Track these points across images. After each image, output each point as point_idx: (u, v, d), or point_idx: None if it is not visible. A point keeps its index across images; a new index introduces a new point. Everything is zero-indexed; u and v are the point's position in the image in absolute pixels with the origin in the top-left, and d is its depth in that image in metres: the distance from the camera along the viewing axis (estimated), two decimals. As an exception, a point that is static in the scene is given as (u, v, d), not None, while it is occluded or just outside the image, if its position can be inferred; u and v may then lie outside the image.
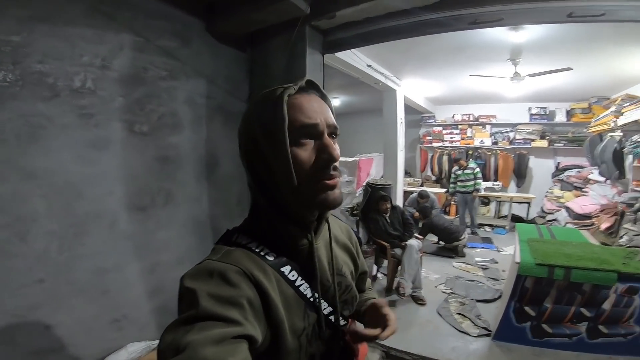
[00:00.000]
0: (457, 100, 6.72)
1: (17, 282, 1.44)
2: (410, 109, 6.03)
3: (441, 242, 4.76)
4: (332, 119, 0.62)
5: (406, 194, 6.00)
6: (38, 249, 1.49)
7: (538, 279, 2.29)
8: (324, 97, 0.64)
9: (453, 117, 7.17)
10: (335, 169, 0.59)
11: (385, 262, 3.55)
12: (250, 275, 0.54)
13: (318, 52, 2.24)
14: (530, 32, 2.85)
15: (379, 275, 3.79)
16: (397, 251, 3.38)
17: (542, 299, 2.33)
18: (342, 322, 0.69)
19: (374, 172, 5.85)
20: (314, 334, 0.62)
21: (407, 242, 3.37)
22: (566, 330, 2.34)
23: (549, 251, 2.44)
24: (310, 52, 2.13)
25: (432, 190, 6.30)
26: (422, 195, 5.45)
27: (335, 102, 6.28)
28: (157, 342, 2.08)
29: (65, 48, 1.52)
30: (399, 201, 5.10)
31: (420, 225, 4.85)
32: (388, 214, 3.60)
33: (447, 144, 7.25)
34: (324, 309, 0.65)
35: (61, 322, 1.58)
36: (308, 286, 0.63)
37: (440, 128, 7.33)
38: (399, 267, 3.30)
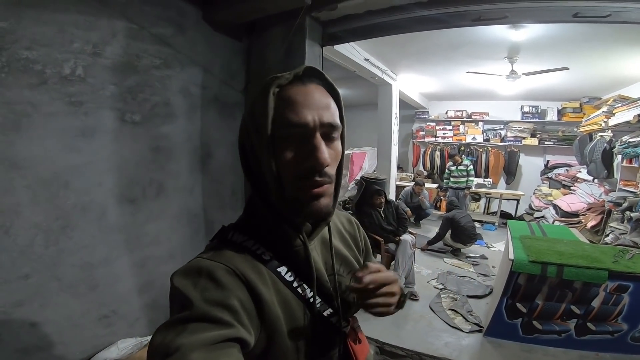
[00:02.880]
0: (451, 96, 6.75)
1: (0, 277, 1.37)
2: (404, 103, 6.03)
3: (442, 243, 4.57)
4: (331, 117, 0.55)
5: (398, 188, 6.02)
6: (22, 243, 1.42)
7: (531, 276, 2.31)
8: (330, 88, 0.58)
9: (446, 113, 7.22)
10: (323, 175, 0.54)
11: (379, 257, 3.55)
12: (240, 275, 0.52)
13: (317, 44, 2.18)
14: (529, 31, 2.84)
15: (372, 270, 3.80)
16: (391, 246, 3.38)
17: (534, 295, 2.35)
18: (343, 324, 0.66)
19: (367, 165, 5.85)
20: (314, 336, 0.60)
21: (401, 237, 3.37)
22: (556, 327, 2.37)
23: (541, 248, 2.46)
24: (309, 44, 2.07)
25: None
26: (418, 183, 5.47)
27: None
28: (148, 338, 2.06)
29: (54, 34, 1.44)
30: (391, 196, 5.10)
31: (412, 218, 4.83)
32: (382, 209, 3.58)
33: (439, 139, 7.30)
34: (324, 311, 0.63)
35: (48, 318, 1.52)
36: (306, 287, 0.60)
37: (433, 124, 7.38)
38: (393, 262, 3.31)
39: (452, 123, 7.20)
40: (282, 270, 0.58)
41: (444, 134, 7.25)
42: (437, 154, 7.31)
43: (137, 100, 1.78)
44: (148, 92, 1.82)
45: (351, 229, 0.80)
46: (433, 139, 7.37)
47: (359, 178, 4.29)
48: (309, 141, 0.53)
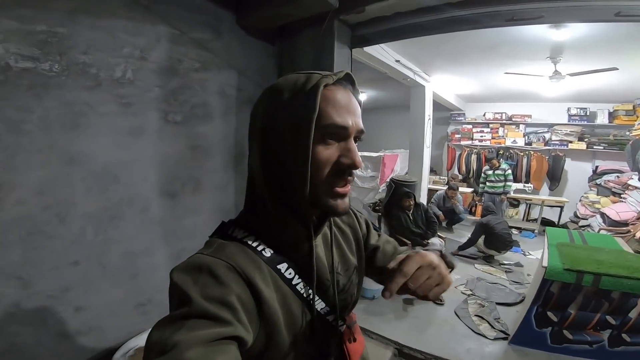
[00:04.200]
0: (489, 98, 6.49)
1: (53, 263, 1.49)
2: (438, 105, 5.89)
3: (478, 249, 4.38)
4: (361, 123, 0.59)
5: (431, 191, 5.90)
6: (75, 232, 1.54)
7: (565, 285, 2.21)
8: (357, 96, 0.61)
9: (484, 115, 6.94)
10: (351, 175, 0.57)
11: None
12: (241, 271, 0.52)
13: (346, 46, 2.22)
14: (572, 30, 2.71)
15: (399, 272, 3.77)
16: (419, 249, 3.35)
17: (567, 304, 2.25)
18: (339, 323, 0.67)
19: (398, 168, 5.76)
20: (311, 334, 0.60)
21: (429, 241, 3.33)
22: (587, 337, 2.26)
23: (579, 257, 2.34)
24: (338, 46, 2.12)
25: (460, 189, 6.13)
26: (452, 187, 5.33)
27: (362, 96, 6.07)
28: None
29: (107, 39, 1.57)
30: (423, 199, 5.02)
31: (445, 224, 4.71)
32: (411, 211, 3.56)
33: (476, 142, 7.04)
34: (322, 309, 0.63)
35: (91, 304, 1.62)
36: (305, 285, 0.60)
37: (470, 126, 7.13)
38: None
39: (491, 126, 6.91)
40: (283, 267, 0.58)
41: (482, 136, 6.98)
42: (474, 157, 7.06)
43: (179, 102, 1.91)
44: (188, 93, 1.96)
45: (348, 219, 0.80)
46: (469, 142, 7.12)
47: (389, 180, 4.27)
48: (347, 143, 0.56)
